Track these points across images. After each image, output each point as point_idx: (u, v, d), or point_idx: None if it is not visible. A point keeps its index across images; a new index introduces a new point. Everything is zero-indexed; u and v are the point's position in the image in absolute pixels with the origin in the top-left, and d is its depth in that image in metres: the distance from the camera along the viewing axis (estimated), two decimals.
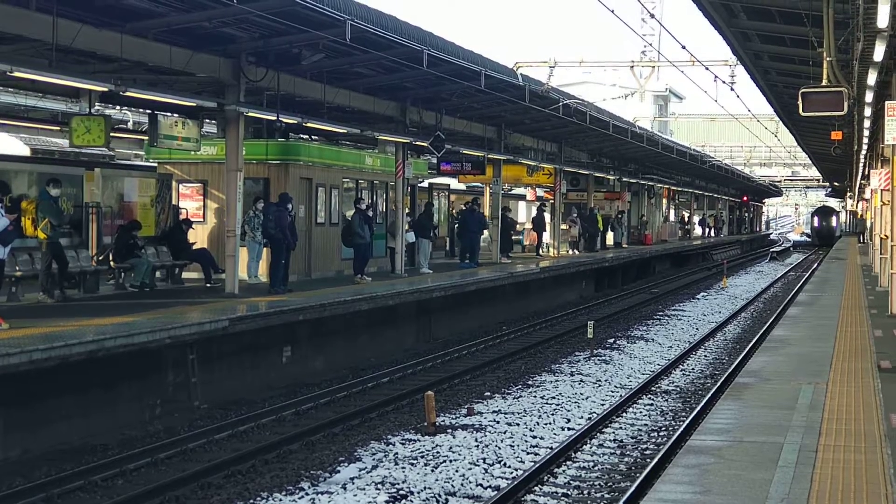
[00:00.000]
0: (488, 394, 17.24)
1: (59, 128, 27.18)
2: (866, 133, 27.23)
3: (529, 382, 18.39)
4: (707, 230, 71.63)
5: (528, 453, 13.16)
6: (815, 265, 47.14)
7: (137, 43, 16.07)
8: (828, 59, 14.70)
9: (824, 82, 14.89)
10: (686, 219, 68.84)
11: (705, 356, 22.30)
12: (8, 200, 14.45)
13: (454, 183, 40.54)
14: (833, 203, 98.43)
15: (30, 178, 19.69)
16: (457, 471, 12.17)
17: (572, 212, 42.21)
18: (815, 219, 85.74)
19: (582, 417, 15.40)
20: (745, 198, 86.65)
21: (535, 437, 14.08)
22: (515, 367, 20.24)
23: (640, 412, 16.00)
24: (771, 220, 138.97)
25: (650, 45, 30.73)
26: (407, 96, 24.66)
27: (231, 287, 19.03)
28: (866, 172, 47.04)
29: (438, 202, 36.53)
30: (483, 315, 26.40)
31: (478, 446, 13.42)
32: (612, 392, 17.62)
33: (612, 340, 23.96)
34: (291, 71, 19.76)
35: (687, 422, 14.35)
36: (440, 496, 11.22)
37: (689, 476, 7.90)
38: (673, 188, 61.03)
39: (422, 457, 12.84)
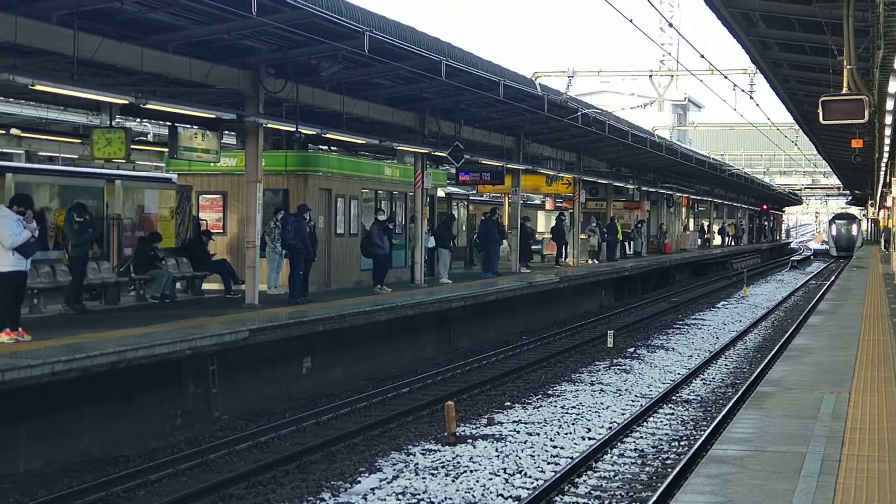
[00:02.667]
0: (508, 404, 17.22)
1: (80, 140, 27.36)
2: (887, 141, 27.09)
3: (550, 392, 18.36)
4: (727, 239, 71.37)
5: (548, 463, 13.14)
6: (836, 274, 46.93)
7: (157, 56, 16.16)
8: (848, 67, 14.63)
9: (845, 90, 14.81)
10: (706, 228, 68.62)
11: (726, 365, 22.21)
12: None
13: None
14: (854, 211, 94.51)
15: (51, 190, 19.79)
16: (477, 481, 12.16)
17: (592, 221, 42.17)
18: (833, 226, 78.91)
19: (602, 427, 15.36)
20: (764, 206, 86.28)
21: (555, 446, 14.05)
22: (536, 376, 20.21)
23: (661, 421, 15.95)
24: (791, 228, 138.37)
25: (669, 54, 30.62)
26: (425, 107, 24.69)
27: (251, 298, 19.07)
28: (888, 180, 46.74)
29: (458, 212, 36.55)
30: (503, 325, 26.38)
31: (498, 456, 13.40)
32: (633, 401, 17.57)
33: (632, 350, 23.90)
34: (310, 82, 19.82)
35: (708, 431, 14.31)
36: None
37: (711, 486, 7.86)
38: (692, 197, 60.88)
39: (442, 467, 12.83)
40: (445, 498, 11.47)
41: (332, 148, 26.84)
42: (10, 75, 13.47)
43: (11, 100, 25.53)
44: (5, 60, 14.75)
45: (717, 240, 70.44)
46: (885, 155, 32.91)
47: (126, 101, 16.01)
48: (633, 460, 13.41)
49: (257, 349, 16.26)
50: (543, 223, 49.25)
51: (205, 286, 21.81)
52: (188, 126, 19.97)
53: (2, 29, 13.54)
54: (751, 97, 29.82)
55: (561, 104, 26.61)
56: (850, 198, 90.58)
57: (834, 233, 78.69)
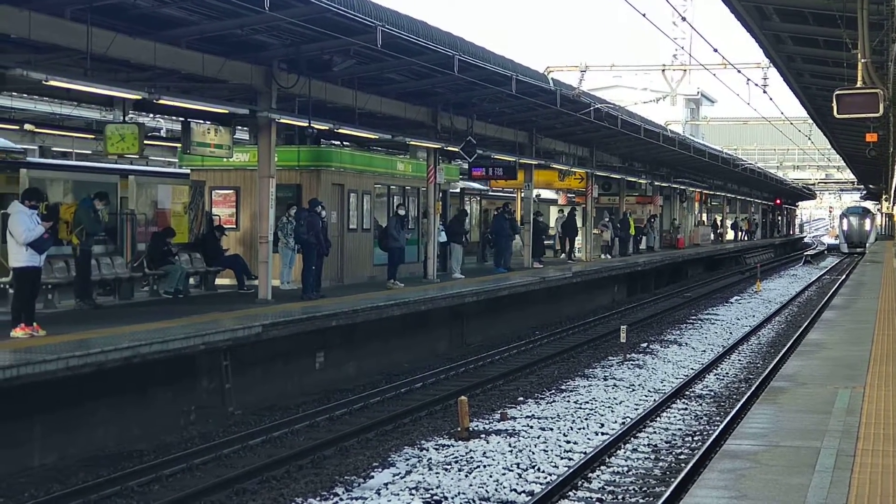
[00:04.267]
0: (522, 399, 17.21)
1: (93, 136, 27.45)
2: None
3: (563, 387, 18.35)
4: (740, 234, 71.18)
5: (562, 458, 13.13)
6: (850, 269, 46.80)
7: (171, 51, 16.18)
8: (862, 60, 14.56)
9: (859, 84, 14.73)
10: (718, 222, 68.48)
11: (739, 360, 22.17)
12: (43, 208, 14.58)
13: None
14: (868, 205, 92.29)
15: (65, 185, 19.85)
16: (491, 476, 12.16)
17: (604, 216, 42.15)
18: (844, 221, 74.37)
19: (616, 422, 15.35)
20: (777, 201, 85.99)
21: (568, 441, 14.05)
22: (549, 371, 20.20)
23: (675, 417, 15.93)
24: (805, 223, 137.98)
25: (682, 48, 30.62)
26: (438, 101, 24.69)
27: (264, 293, 19.10)
28: None
29: (470, 207, 36.55)
30: (516, 320, 26.37)
31: (511, 451, 13.40)
32: (646, 396, 17.55)
33: (645, 345, 23.88)
34: (323, 77, 19.84)
35: (722, 426, 14.28)
36: (474, 501, 11.22)
37: (725, 481, 7.85)
38: (705, 192, 60.76)
39: (455, 462, 12.83)
40: (459, 493, 11.47)
41: (344, 143, 26.85)
42: (24, 71, 13.51)
43: (25, 95, 25.63)
44: (19, 56, 14.80)
45: (730, 234, 70.26)
46: None
47: (139, 97, 16.06)
48: (647, 455, 13.39)
49: (270, 344, 16.28)
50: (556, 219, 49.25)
51: (218, 281, 21.85)
52: (201, 121, 20.00)
53: (16, 24, 13.58)
54: (764, 91, 29.80)
55: (573, 99, 26.57)
56: (865, 192, 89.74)
57: (845, 227, 74.31)
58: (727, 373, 20.40)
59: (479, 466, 12.60)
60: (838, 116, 15.19)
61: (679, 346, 24.04)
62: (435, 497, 11.34)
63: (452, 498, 11.31)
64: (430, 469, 12.50)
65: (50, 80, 14.02)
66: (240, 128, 23.46)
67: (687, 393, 17.89)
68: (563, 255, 37.69)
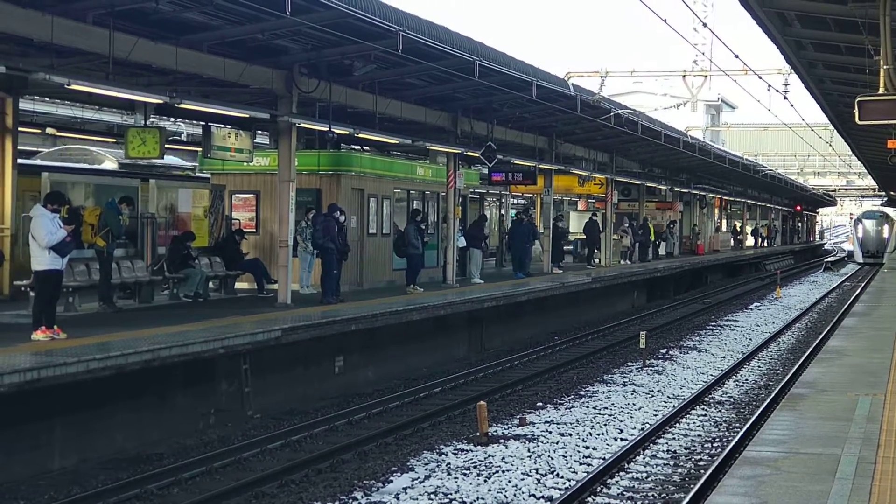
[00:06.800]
0: (540, 404, 17.20)
1: (114, 140, 27.59)
2: None
3: (582, 393, 18.33)
4: (759, 240, 70.93)
5: (580, 464, 13.11)
6: (871, 276, 46.59)
7: (192, 55, 16.23)
8: (885, 66, 14.50)
9: (881, 90, 14.68)
10: (738, 229, 68.23)
11: (759, 367, 22.09)
12: (65, 212, 14.64)
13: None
14: (889, 211, 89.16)
15: (87, 189, 19.94)
16: (509, 481, 12.15)
17: (624, 222, 42.08)
18: (860, 227, 68.24)
19: (635, 428, 15.32)
20: (798, 207, 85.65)
21: (587, 447, 14.02)
22: (568, 377, 20.18)
23: (694, 423, 15.88)
24: (825, 229, 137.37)
25: (702, 54, 30.52)
26: (458, 107, 24.69)
27: (283, 297, 19.13)
28: None
29: (490, 212, 36.56)
30: (535, 325, 26.34)
31: (530, 457, 13.39)
32: (665, 402, 17.51)
33: (664, 351, 23.82)
34: (343, 82, 19.87)
35: (741, 433, 14.24)
36: None
37: (745, 487, 7.83)
38: (725, 198, 60.58)
39: (474, 467, 12.83)
40: (477, 498, 11.47)
41: (364, 148, 26.89)
42: (47, 75, 13.59)
43: (47, 99, 25.79)
44: (42, 60, 14.88)
45: (750, 241, 70.03)
46: None
47: (161, 101, 16.11)
48: (666, 461, 13.36)
49: (290, 348, 16.31)
50: (576, 223, 49.20)
51: (237, 285, 21.90)
52: (222, 125, 20.06)
53: (39, 29, 13.66)
54: (785, 97, 29.63)
55: (593, 104, 26.54)
56: (886, 199, 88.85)
57: (860, 234, 68.26)
58: (747, 379, 20.33)
59: (497, 472, 12.60)
60: (860, 123, 15.12)
61: (698, 353, 23.97)
62: (453, 502, 11.34)
63: (471, 503, 11.30)
64: (449, 474, 12.50)
65: (72, 83, 14.09)
66: (260, 132, 23.55)
67: (706, 399, 17.84)
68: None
